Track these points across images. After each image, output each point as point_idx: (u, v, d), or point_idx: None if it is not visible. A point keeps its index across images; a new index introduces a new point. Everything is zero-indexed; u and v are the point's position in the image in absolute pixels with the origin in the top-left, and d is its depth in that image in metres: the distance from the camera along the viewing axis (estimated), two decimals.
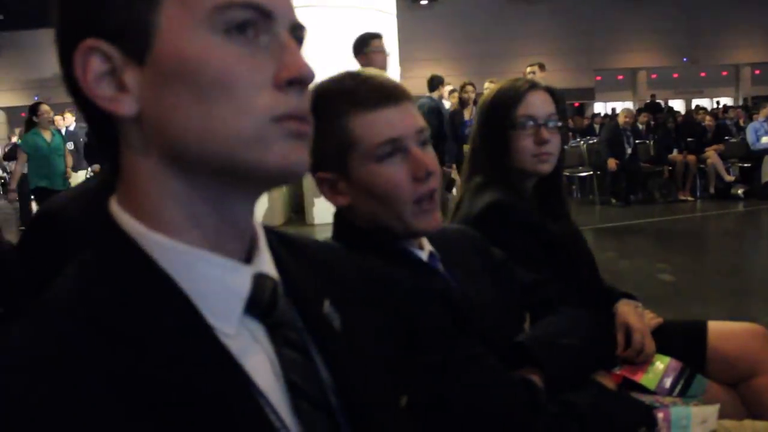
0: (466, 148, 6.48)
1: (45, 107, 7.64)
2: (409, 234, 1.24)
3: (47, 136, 7.58)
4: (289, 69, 0.63)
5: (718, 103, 20.70)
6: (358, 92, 1.18)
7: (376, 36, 5.07)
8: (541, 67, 7.77)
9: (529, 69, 7.65)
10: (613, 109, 20.29)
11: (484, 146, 1.83)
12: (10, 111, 23.01)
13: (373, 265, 1.12)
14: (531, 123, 1.77)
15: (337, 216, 1.28)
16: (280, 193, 8.35)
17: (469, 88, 8.26)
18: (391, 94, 1.19)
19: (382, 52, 5.01)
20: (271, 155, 0.62)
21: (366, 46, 4.99)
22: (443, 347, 1.13)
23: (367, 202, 1.20)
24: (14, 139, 10.61)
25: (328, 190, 1.22)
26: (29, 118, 7.71)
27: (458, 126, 7.87)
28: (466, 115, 8.00)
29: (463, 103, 8.20)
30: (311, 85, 0.67)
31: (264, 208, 7.63)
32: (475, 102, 8.23)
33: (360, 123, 1.17)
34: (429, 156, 1.20)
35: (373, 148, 1.16)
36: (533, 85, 1.82)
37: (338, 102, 1.18)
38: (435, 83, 8.18)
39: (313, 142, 1.16)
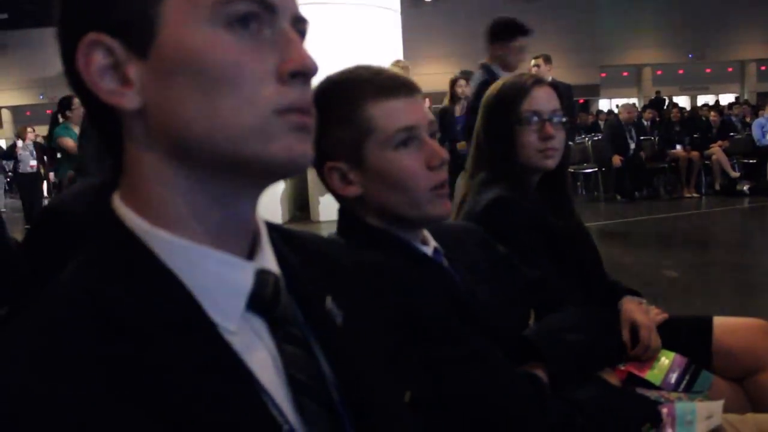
0: (461, 146, 6.14)
1: (78, 101, 7.34)
2: (422, 221, 1.25)
3: (77, 131, 7.22)
4: (293, 61, 0.63)
5: (737, 98, 20.52)
6: (375, 81, 1.20)
7: (526, 33, 4.34)
8: (546, 59, 7.35)
9: (533, 62, 7.31)
10: (617, 106, 20.28)
11: (489, 142, 1.83)
12: (15, 110, 23.07)
13: (377, 260, 1.12)
14: (536, 118, 1.77)
15: (342, 211, 1.29)
16: (285, 191, 8.36)
17: (462, 82, 7.75)
18: (405, 85, 1.21)
19: (522, 54, 4.35)
20: (274, 148, 0.62)
21: (511, 38, 4.29)
22: (448, 342, 1.14)
23: (382, 191, 1.21)
24: (34, 138, 10.58)
25: (339, 180, 1.22)
26: (58, 112, 7.52)
27: (448, 124, 7.12)
28: (457, 111, 7.35)
29: (453, 98, 7.55)
30: (319, 78, 0.67)
31: (268, 205, 7.63)
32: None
33: (378, 110, 1.18)
34: (439, 146, 1.22)
35: (391, 135, 1.18)
36: (538, 81, 1.82)
37: (355, 90, 1.19)
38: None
39: (325, 131, 1.18)
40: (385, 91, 1.18)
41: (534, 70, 7.20)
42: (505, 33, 4.31)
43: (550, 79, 6.88)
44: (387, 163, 1.19)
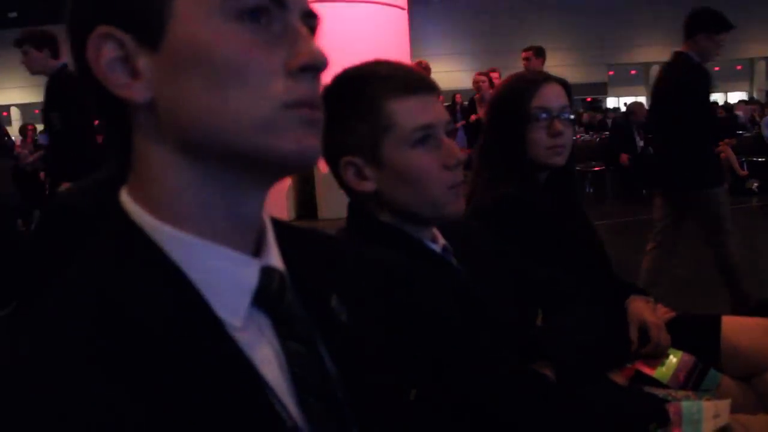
0: None
1: None
2: (437, 218, 1.25)
3: None
4: (302, 56, 0.63)
5: (751, 98, 20.26)
6: (395, 77, 1.20)
7: (730, 28, 4.16)
8: (537, 52, 7.00)
9: (523, 55, 7.05)
10: (626, 104, 20.22)
11: (498, 139, 1.82)
12: (23, 108, 23.15)
13: (385, 257, 1.12)
14: (544, 115, 1.77)
15: (353, 207, 1.28)
16: (291, 188, 8.35)
17: None
18: (424, 83, 1.21)
19: (720, 49, 4.16)
20: (283, 142, 0.62)
21: (718, 31, 4.11)
22: (454, 341, 1.13)
23: (397, 187, 1.21)
24: None
25: (354, 175, 1.22)
26: None
27: None
28: None
29: None
30: (329, 75, 0.67)
31: (274, 202, 7.62)
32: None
33: (398, 107, 1.18)
34: (456, 146, 1.22)
35: (409, 132, 1.18)
36: (546, 77, 1.83)
37: (375, 86, 1.19)
38: None
39: (343, 126, 1.18)
40: (406, 88, 1.18)
41: (523, 64, 7.05)
42: (714, 25, 4.18)
43: None
44: (404, 161, 1.19)
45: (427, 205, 1.21)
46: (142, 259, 0.62)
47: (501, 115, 1.83)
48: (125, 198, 0.66)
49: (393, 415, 0.75)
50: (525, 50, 7.13)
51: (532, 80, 1.81)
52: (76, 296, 0.59)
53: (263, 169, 0.65)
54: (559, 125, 1.76)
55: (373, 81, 1.20)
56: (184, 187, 0.64)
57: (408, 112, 1.18)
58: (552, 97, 1.78)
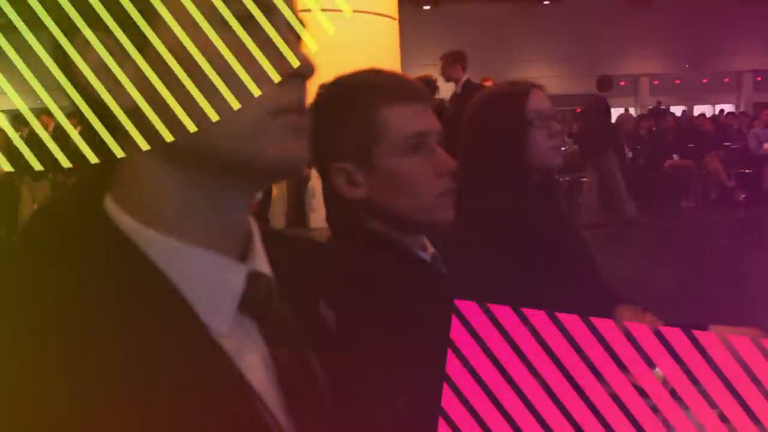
0: None
1: None
2: (427, 224, 1.26)
3: None
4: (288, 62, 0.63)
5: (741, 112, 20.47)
6: (389, 85, 1.21)
7: None
8: (451, 59, 7.04)
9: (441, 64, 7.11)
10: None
11: (488, 147, 1.81)
12: (11, 114, 23.05)
13: (375, 264, 1.12)
14: (542, 117, 1.77)
15: (341, 215, 1.28)
16: (282, 197, 8.34)
17: None
18: (417, 91, 1.22)
19: None
20: (269, 148, 0.62)
21: None
22: (443, 348, 1.13)
23: (388, 194, 1.21)
24: None
25: (345, 182, 1.22)
26: None
27: None
28: None
29: None
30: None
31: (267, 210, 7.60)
32: None
33: (392, 114, 1.18)
34: (447, 155, 1.23)
35: (402, 140, 1.18)
36: (532, 84, 1.84)
37: (369, 93, 1.19)
38: (606, 84, 8.33)
39: (335, 132, 1.18)
40: (400, 96, 1.19)
41: (441, 72, 7.01)
42: None
43: (464, 79, 6.73)
44: (396, 167, 1.19)
45: (418, 211, 1.21)
46: (127, 264, 0.62)
47: (495, 123, 1.81)
48: (110, 203, 0.66)
49: (381, 421, 0.75)
50: (441, 58, 7.16)
51: (521, 87, 1.82)
52: (59, 302, 0.58)
53: (249, 174, 0.65)
54: (556, 125, 1.78)
55: (366, 88, 1.20)
56: (169, 192, 0.64)
57: (401, 120, 1.18)
58: (543, 100, 1.80)
